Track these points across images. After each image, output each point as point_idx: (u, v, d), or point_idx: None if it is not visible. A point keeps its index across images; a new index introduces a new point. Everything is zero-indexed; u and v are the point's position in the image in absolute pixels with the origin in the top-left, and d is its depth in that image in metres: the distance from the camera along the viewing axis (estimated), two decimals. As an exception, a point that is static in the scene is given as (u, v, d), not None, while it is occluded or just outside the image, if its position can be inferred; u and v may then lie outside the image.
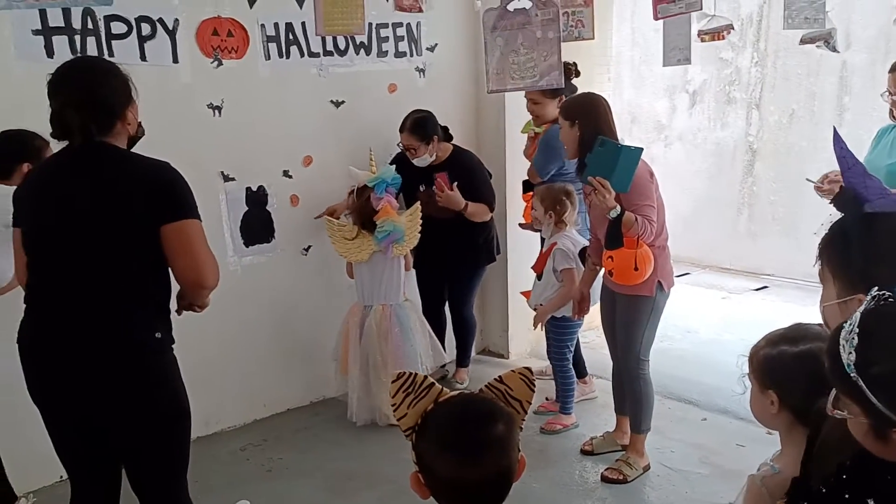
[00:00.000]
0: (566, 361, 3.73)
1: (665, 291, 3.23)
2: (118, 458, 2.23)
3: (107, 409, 2.09)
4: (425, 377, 1.35)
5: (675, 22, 3.21)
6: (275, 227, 3.94)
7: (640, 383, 3.30)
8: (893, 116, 3.23)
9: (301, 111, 3.92)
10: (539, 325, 3.62)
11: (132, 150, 2.15)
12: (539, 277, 3.62)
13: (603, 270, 3.49)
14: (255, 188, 3.84)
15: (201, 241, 2.07)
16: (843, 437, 1.21)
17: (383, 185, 3.80)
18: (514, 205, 4.43)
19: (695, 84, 6.97)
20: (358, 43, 4.05)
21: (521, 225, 4.29)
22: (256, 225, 3.87)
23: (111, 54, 3.24)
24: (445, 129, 4.07)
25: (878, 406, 1.10)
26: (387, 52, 4.18)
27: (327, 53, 3.95)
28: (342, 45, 4.00)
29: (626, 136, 6.73)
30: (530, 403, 1.38)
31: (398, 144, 4.00)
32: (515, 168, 4.35)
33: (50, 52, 3.11)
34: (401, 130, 3.94)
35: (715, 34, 3.46)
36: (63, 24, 3.15)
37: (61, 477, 3.09)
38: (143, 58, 3.36)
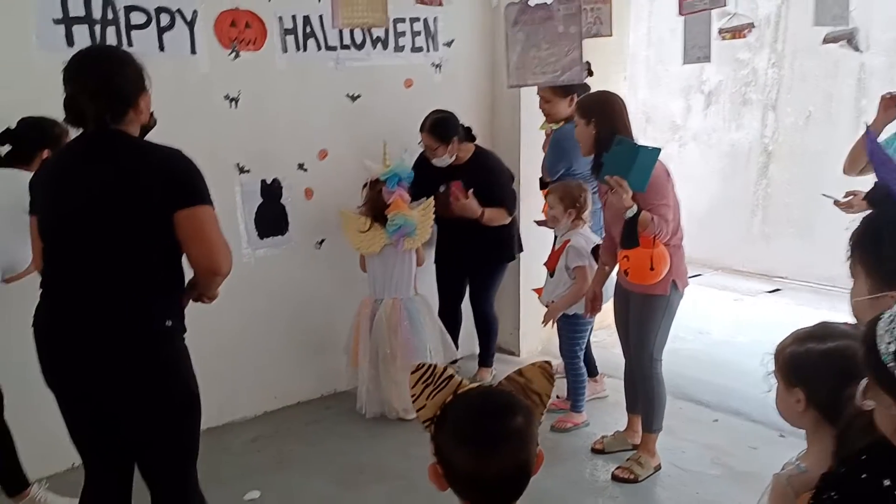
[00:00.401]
0: (577, 359, 3.72)
1: (679, 291, 3.22)
2: (129, 446, 2.23)
3: (118, 395, 2.10)
4: (445, 368, 1.35)
5: (695, 20, 3.19)
6: (289, 219, 3.94)
7: (652, 382, 3.29)
8: None
9: (317, 104, 3.93)
10: (550, 323, 3.61)
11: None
12: (551, 274, 3.61)
13: (616, 268, 3.50)
14: (269, 181, 3.85)
15: (215, 228, 2.08)
16: (865, 427, 1.21)
17: (395, 179, 3.81)
18: (528, 202, 4.41)
19: (710, 84, 6.94)
20: (375, 37, 4.05)
21: (537, 222, 4.27)
22: (270, 217, 3.88)
23: (130, 44, 3.25)
24: (468, 129, 4.05)
25: None
26: (403, 46, 4.18)
27: (344, 47, 3.95)
28: (359, 39, 4.00)
29: (641, 135, 6.66)
30: (549, 397, 1.38)
31: (419, 143, 3.99)
32: (530, 165, 4.33)
33: (70, 42, 3.12)
34: (421, 130, 3.93)
35: (736, 32, 3.44)
36: (83, 14, 3.17)
37: (73, 464, 3.12)
38: (161, 48, 3.37)
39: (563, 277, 3.51)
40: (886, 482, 1.18)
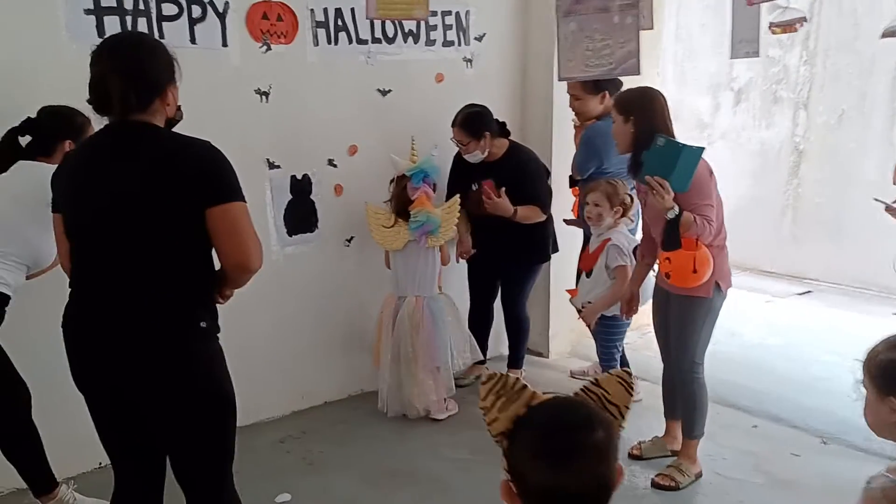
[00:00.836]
0: (614, 362, 3.63)
1: (723, 292, 3.13)
2: (162, 449, 2.17)
3: (151, 397, 2.03)
4: (517, 379, 1.27)
5: (744, 13, 3.08)
6: (318, 216, 3.87)
7: (693, 387, 3.19)
8: None
9: (348, 99, 3.85)
10: (592, 324, 3.51)
11: None
12: (588, 275, 3.52)
13: (654, 270, 3.41)
14: (299, 176, 3.78)
15: (247, 223, 2.00)
16: None
17: (420, 176, 3.74)
18: (557, 200, 4.31)
19: (740, 82, 6.82)
20: (406, 30, 3.97)
21: (566, 221, 4.19)
22: (300, 214, 3.80)
23: (161, 36, 3.18)
24: (503, 124, 3.97)
25: None
26: (435, 40, 4.10)
27: (375, 41, 3.87)
28: (391, 33, 3.92)
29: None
30: (628, 408, 1.30)
31: (451, 139, 3.91)
32: (562, 162, 4.23)
33: (101, 33, 3.05)
34: (453, 124, 3.85)
35: (787, 26, 3.34)
36: (115, 5, 3.10)
37: (100, 463, 3.07)
38: (192, 40, 3.30)
39: (602, 277, 3.41)
40: None
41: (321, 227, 3.89)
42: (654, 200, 2.89)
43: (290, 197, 3.76)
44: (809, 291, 6.16)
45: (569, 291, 3.78)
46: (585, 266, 3.53)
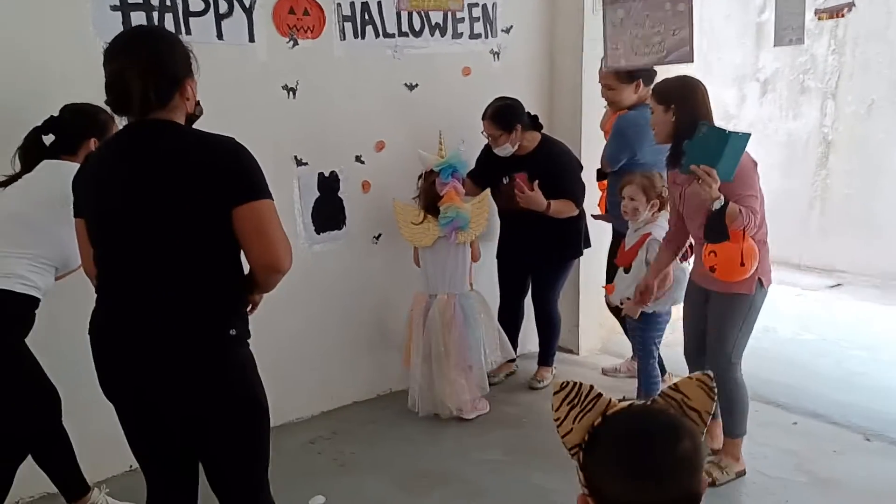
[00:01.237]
0: (653, 358, 3.54)
1: (764, 289, 3.04)
2: (195, 456, 2.11)
3: (183, 407, 1.97)
4: (591, 387, 1.19)
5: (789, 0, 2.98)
6: (346, 213, 3.81)
7: (730, 386, 3.09)
8: None
9: (375, 94, 3.79)
10: (636, 314, 3.40)
11: None
12: (626, 270, 3.43)
13: (686, 265, 3.32)
14: (327, 173, 3.72)
15: (275, 223, 1.92)
16: None
17: (449, 171, 3.68)
18: (587, 194, 4.23)
19: (766, 72, 6.71)
20: (433, 24, 3.90)
21: (594, 216, 4.11)
22: (328, 211, 3.75)
23: (188, 31, 3.13)
24: (535, 117, 3.89)
25: None
26: (462, 33, 4.02)
27: (402, 34, 3.80)
28: (417, 26, 3.85)
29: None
30: (710, 414, 1.22)
31: (482, 132, 3.84)
32: (592, 155, 4.15)
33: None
34: (483, 118, 3.78)
35: (834, 13, 3.24)
36: (141, 1, 3.05)
37: (131, 466, 3.02)
38: (219, 36, 3.24)
39: (642, 272, 3.31)
40: None
41: (349, 224, 3.83)
42: (700, 190, 2.80)
43: (317, 194, 3.70)
44: (840, 284, 6.06)
45: (605, 288, 3.70)
46: (623, 262, 3.45)
